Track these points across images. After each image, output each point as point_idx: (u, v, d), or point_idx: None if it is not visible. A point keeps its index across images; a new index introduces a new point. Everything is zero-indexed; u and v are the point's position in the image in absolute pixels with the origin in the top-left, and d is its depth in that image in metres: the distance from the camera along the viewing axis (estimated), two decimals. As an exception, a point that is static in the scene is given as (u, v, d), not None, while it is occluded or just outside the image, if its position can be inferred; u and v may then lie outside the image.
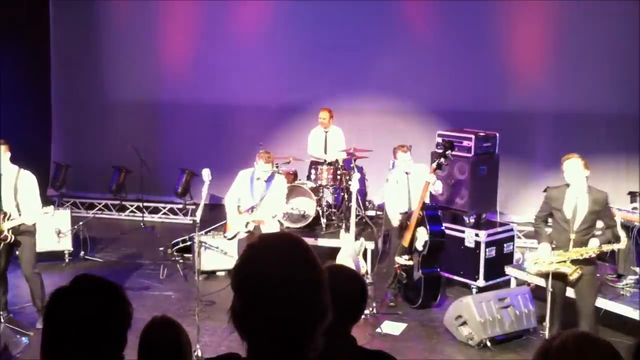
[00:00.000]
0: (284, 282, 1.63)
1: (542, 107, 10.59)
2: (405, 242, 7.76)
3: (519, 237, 9.13)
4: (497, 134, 8.74)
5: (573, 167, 6.05)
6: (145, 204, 11.23)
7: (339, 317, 2.60)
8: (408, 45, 11.01)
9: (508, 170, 9.34)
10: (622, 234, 6.16)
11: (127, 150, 10.91)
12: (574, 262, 6.01)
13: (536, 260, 6.21)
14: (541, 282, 6.67)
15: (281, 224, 8.52)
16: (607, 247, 6.06)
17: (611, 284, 7.26)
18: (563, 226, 6.10)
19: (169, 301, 7.90)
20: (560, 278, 6.10)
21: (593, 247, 5.99)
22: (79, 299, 2.04)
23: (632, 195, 8.86)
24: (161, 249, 9.38)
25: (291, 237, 1.80)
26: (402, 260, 7.79)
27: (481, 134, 8.61)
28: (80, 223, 9.40)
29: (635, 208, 7.41)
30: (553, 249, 6.16)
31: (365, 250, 8.69)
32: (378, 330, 7.17)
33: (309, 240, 9.14)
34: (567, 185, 6.14)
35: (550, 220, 6.38)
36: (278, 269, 1.65)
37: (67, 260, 9.08)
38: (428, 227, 7.63)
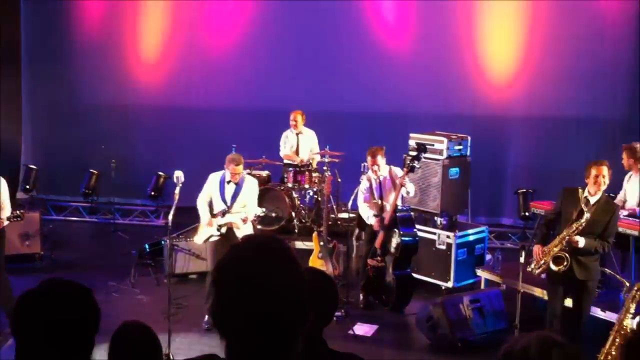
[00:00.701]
0: (267, 282, 1.65)
1: (512, 110, 10.71)
2: (378, 244, 7.80)
3: (489, 239, 9.21)
4: (469, 137, 8.82)
5: (607, 174, 6.06)
6: (116, 207, 11.14)
7: (311, 320, 2.62)
8: (380, 48, 11.06)
9: (479, 172, 9.43)
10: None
11: (99, 153, 10.83)
12: (564, 252, 6.05)
13: (537, 264, 6.25)
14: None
15: (254, 226, 8.51)
16: (573, 242, 6.04)
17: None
18: (563, 227, 6.16)
19: (140, 304, 7.85)
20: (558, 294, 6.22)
21: (578, 239, 6.02)
22: (46, 302, 2.03)
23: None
24: (133, 251, 9.31)
25: (273, 238, 1.81)
26: (375, 262, 7.83)
27: (453, 136, 8.68)
28: (51, 226, 9.31)
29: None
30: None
31: (338, 252, 8.72)
32: (350, 332, 7.19)
33: (282, 243, 9.16)
34: (581, 188, 6.16)
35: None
36: (260, 269, 1.66)
37: (36, 263, 8.97)
38: (400, 229, 7.68)
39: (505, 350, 1.88)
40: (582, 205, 6.04)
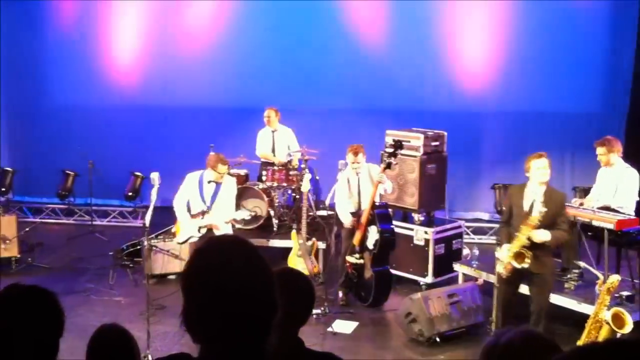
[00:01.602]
0: (235, 283, 1.67)
1: (488, 106, 10.79)
2: (356, 241, 7.83)
3: (467, 234, 9.29)
4: (445, 133, 8.88)
5: (545, 165, 6.22)
6: (94, 208, 11.07)
7: (287, 320, 2.63)
8: (357, 45, 11.08)
9: (456, 168, 9.49)
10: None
11: (75, 154, 10.73)
12: (525, 248, 6.13)
13: (501, 264, 6.35)
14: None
15: (233, 225, 8.50)
16: (531, 235, 6.12)
17: (556, 277, 7.44)
18: (519, 222, 6.26)
19: (118, 306, 7.82)
20: (508, 281, 6.30)
21: (537, 233, 6.11)
22: (7, 307, 2.03)
23: (577, 191, 9.09)
24: (110, 253, 9.26)
25: (236, 238, 1.84)
26: (353, 259, 7.86)
27: (429, 133, 8.73)
28: (27, 229, 9.23)
29: (581, 204, 7.60)
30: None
31: (317, 250, 8.74)
32: (330, 329, 7.22)
33: (261, 241, 9.18)
34: (527, 183, 6.32)
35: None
36: (227, 269, 1.68)
37: (13, 267, 8.90)
38: (378, 225, 7.71)
39: (489, 345, 1.91)
40: (534, 200, 6.17)
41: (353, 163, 7.92)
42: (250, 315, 1.67)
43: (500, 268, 6.34)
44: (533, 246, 6.17)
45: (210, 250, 1.76)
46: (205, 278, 1.69)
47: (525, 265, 6.13)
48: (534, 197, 6.24)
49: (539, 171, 6.24)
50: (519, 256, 6.17)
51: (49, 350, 2.05)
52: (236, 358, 1.68)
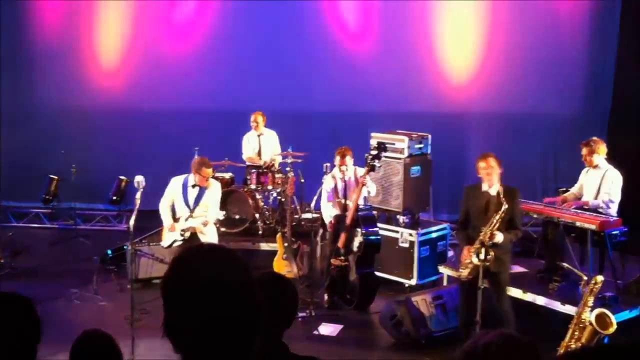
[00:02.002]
0: (214, 289, 1.66)
1: (472, 108, 10.84)
2: (341, 244, 7.84)
3: (451, 236, 9.31)
4: (429, 135, 8.91)
5: (492, 164, 6.35)
6: (78, 212, 11.00)
7: (270, 324, 2.64)
8: (340, 48, 11.10)
9: (440, 170, 9.52)
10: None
11: (58, 158, 10.67)
12: (488, 248, 6.19)
13: (461, 267, 6.41)
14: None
15: (218, 229, 8.50)
16: (493, 236, 6.19)
17: (539, 278, 7.50)
18: (477, 222, 6.37)
19: (103, 311, 7.78)
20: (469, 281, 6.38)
21: (495, 234, 6.17)
22: None
23: (560, 192, 9.14)
24: (95, 257, 9.22)
25: (214, 245, 1.84)
26: (338, 261, 7.87)
27: (413, 135, 8.76)
28: (10, 233, 9.16)
29: (564, 199, 7.65)
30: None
31: (302, 252, 8.75)
32: (315, 332, 7.23)
33: (246, 245, 9.18)
34: (481, 183, 6.43)
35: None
36: (206, 276, 1.68)
37: (-4, 272, 8.84)
38: (363, 228, 7.73)
39: (467, 348, 1.92)
40: (489, 199, 6.29)
41: (341, 165, 7.94)
42: (233, 322, 1.67)
43: (464, 272, 6.37)
44: (492, 245, 6.24)
45: (189, 258, 1.75)
46: (184, 287, 1.68)
47: (486, 262, 6.15)
48: (487, 196, 6.35)
49: (483, 172, 6.38)
50: (480, 253, 6.22)
51: (26, 356, 2.04)
52: None
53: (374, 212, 8.18)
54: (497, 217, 6.17)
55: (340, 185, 8.06)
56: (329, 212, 8.07)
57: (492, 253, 6.16)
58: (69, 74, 11.50)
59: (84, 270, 8.99)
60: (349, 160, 7.95)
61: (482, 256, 6.16)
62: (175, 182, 7.74)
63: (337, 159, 7.98)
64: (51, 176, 10.97)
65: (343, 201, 8.05)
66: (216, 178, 8.80)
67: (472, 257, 6.22)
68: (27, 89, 11.61)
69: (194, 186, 7.64)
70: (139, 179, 6.65)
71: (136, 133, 11.46)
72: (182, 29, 11.44)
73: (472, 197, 6.52)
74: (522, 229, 6.59)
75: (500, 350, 1.84)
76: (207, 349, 1.67)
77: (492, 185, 6.37)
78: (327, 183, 8.17)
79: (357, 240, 7.76)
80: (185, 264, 1.73)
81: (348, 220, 7.76)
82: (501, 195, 6.21)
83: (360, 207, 7.83)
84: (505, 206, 6.14)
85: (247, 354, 1.71)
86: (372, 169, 7.76)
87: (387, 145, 8.10)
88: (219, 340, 1.66)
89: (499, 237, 6.21)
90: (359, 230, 7.75)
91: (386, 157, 8.26)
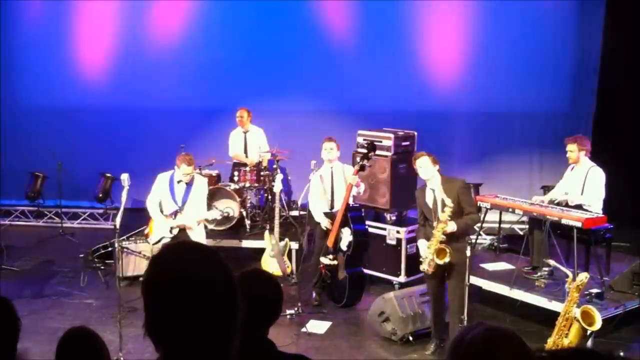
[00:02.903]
0: (193, 288, 1.66)
1: (458, 106, 10.88)
2: (330, 243, 7.84)
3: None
4: (415, 133, 8.93)
5: (424, 165, 6.50)
6: (63, 210, 10.95)
7: (255, 321, 2.64)
8: (327, 45, 11.11)
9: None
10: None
11: (44, 155, 10.60)
12: (443, 243, 6.28)
13: (422, 260, 6.47)
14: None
15: (206, 226, 8.48)
16: (441, 232, 6.27)
17: (526, 276, 7.55)
18: (430, 219, 6.47)
19: (90, 309, 7.75)
20: (434, 275, 6.48)
21: (445, 227, 6.26)
22: None
23: (546, 190, 9.21)
24: (81, 255, 9.18)
25: (196, 244, 1.85)
26: (327, 260, 7.87)
27: (400, 133, 8.78)
28: (-5, 231, 9.10)
29: (543, 201, 7.69)
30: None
31: (290, 250, 8.76)
32: (303, 329, 7.23)
33: (233, 242, 9.17)
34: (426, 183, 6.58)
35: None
36: (186, 275, 1.68)
37: (-19, 270, 8.77)
38: (352, 227, 7.74)
39: (454, 342, 1.94)
40: (434, 196, 6.41)
41: (327, 149, 7.96)
42: (212, 321, 1.67)
43: (424, 266, 6.43)
44: (448, 237, 6.32)
45: (169, 256, 1.75)
46: (164, 285, 1.68)
47: (447, 260, 6.26)
48: (432, 194, 6.46)
49: (420, 170, 6.53)
50: (440, 252, 6.32)
51: (4, 356, 2.02)
52: None
53: (362, 211, 8.19)
54: (443, 215, 6.25)
55: (327, 182, 8.05)
56: (317, 210, 8.07)
57: (449, 249, 6.24)
58: (55, 72, 11.44)
59: (70, 268, 8.97)
60: (329, 145, 7.96)
61: (441, 257, 6.28)
62: (162, 179, 7.72)
63: (326, 144, 8.01)
64: (36, 173, 10.91)
65: (330, 198, 8.05)
66: (202, 175, 8.79)
67: (429, 255, 6.35)
68: (12, 86, 11.52)
69: (179, 182, 7.63)
70: (125, 177, 6.62)
71: (122, 131, 11.42)
72: (168, 26, 11.39)
73: (421, 198, 6.61)
74: (476, 212, 6.65)
75: (487, 343, 1.86)
76: (187, 348, 1.67)
77: (433, 182, 6.47)
78: (315, 180, 8.15)
79: (346, 240, 7.77)
80: (165, 263, 1.73)
81: (337, 220, 7.76)
82: (440, 192, 6.34)
83: (350, 205, 7.83)
84: (450, 204, 6.20)
85: (226, 352, 1.71)
86: (361, 168, 7.78)
87: (375, 145, 8.11)
88: (198, 339, 1.66)
89: (451, 227, 6.28)
90: (347, 229, 7.76)
91: (374, 154, 8.27)
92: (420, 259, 6.54)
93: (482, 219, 7.67)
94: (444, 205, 6.27)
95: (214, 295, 1.68)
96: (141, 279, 8.36)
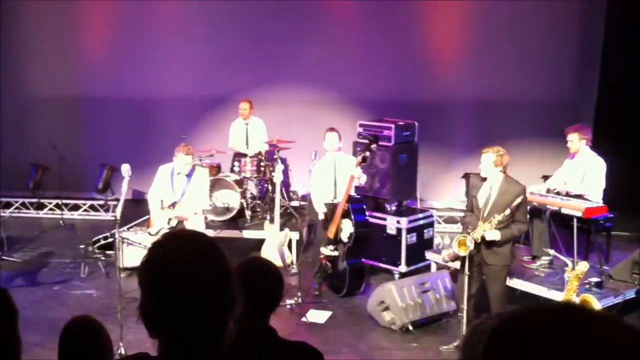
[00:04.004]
0: (192, 276, 1.66)
1: (458, 96, 10.85)
2: (331, 234, 7.85)
3: (438, 223, 9.37)
4: (416, 123, 8.93)
5: (484, 161, 6.28)
6: (64, 201, 10.95)
7: (255, 309, 2.65)
8: (329, 36, 11.07)
9: (427, 158, 9.56)
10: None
11: (44, 146, 10.60)
12: (477, 246, 6.15)
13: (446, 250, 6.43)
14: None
15: (205, 217, 8.48)
16: (480, 234, 6.13)
17: (526, 265, 7.56)
18: (476, 214, 6.32)
19: (90, 299, 7.77)
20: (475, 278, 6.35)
21: (484, 233, 6.11)
22: None
23: (546, 179, 9.20)
24: (82, 246, 9.19)
25: (195, 233, 1.84)
26: (328, 251, 7.88)
27: (400, 123, 8.78)
28: (-4, 223, 9.11)
29: (548, 189, 7.69)
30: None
31: (290, 240, 8.77)
32: (304, 319, 7.25)
33: (234, 233, 9.17)
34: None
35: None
36: (185, 264, 1.68)
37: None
38: (353, 218, 7.74)
39: (473, 327, 1.94)
40: (489, 194, 6.22)
41: (330, 140, 7.93)
42: (207, 309, 1.67)
43: (443, 254, 6.39)
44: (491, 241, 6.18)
45: (168, 244, 1.75)
46: (161, 272, 1.69)
47: (465, 254, 6.10)
48: (488, 190, 6.26)
49: (480, 165, 6.34)
50: (461, 243, 6.17)
51: (4, 345, 2.03)
52: (193, 353, 1.68)
53: (364, 203, 8.19)
54: (496, 220, 6.11)
55: (330, 172, 8.04)
56: (318, 200, 8.06)
57: (471, 243, 6.10)
58: (55, 63, 11.40)
59: (70, 259, 8.98)
60: (331, 135, 7.94)
61: (461, 248, 6.16)
62: (163, 171, 7.73)
63: (329, 135, 7.98)
64: (37, 165, 10.91)
65: (333, 188, 8.03)
66: (203, 166, 8.79)
67: (453, 244, 6.25)
68: (12, 79, 11.49)
69: (179, 174, 7.63)
70: (125, 168, 6.63)
71: (123, 122, 11.40)
72: (167, 15, 11.36)
73: (475, 188, 6.41)
74: (526, 222, 6.44)
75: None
76: (179, 336, 1.67)
77: (493, 179, 6.26)
78: (316, 170, 8.14)
79: (347, 231, 7.77)
80: (163, 250, 1.73)
81: (339, 211, 7.76)
82: (496, 192, 6.18)
83: (351, 196, 7.82)
84: (500, 216, 6.07)
85: (219, 339, 1.71)
86: (364, 160, 7.77)
87: (378, 136, 8.12)
88: (188, 327, 1.66)
89: (492, 235, 6.11)
90: (349, 220, 7.76)
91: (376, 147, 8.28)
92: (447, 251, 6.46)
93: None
94: (498, 209, 6.12)
95: (206, 285, 1.67)
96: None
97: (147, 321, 1.69)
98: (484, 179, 6.33)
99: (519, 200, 6.11)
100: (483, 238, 6.13)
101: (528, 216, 7.41)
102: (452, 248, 6.29)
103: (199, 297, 1.65)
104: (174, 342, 1.69)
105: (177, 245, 1.74)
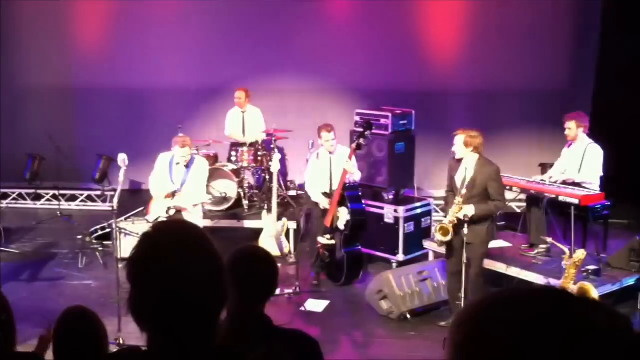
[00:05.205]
0: (181, 271, 1.64)
1: (456, 84, 10.83)
2: (327, 222, 7.84)
3: (436, 211, 9.36)
4: (413, 112, 8.91)
5: (457, 142, 6.53)
6: (61, 192, 10.93)
7: (251, 297, 2.65)
8: (325, 24, 11.04)
9: (424, 146, 9.53)
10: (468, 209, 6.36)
11: (41, 137, 10.57)
12: (455, 226, 6.33)
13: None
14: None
15: (203, 207, 8.46)
16: (457, 213, 6.31)
17: (524, 253, 7.57)
18: (455, 193, 6.49)
19: (88, 290, 7.77)
20: (453, 255, 6.56)
21: (460, 210, 6.29)
22: None
23: (543, 167, 9.21)
24: (79, 237, 9.18)
25: (186, 225, 1.82)
26: (325, 240, 7.87)
27: (398, 111, 8.76)
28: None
29: (543, 180, 7.69)
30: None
31: (288, 230, 8.77)
32: (302, 308, 7.26)
33: (231, 223, 9.17)
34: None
35: None
36: (174, 258, 1.65)
37: (-20, 252, 8.78)
38: (349, 206, 7.73)
39: (458, 316, 1.93)
40: (465, 174, 6.42)
41: (329, 141, 7.87)
42: (196, 304, 1.65)
43: (438, 236, 6.49)
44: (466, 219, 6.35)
45: (157, 235, 1.73)
46: (150, 263, 1.66)
47: (447, 239, 6.36)
48: (464, 171, 6.46)
49: (454, 147, 6.56)
50: (442, 230, 6.40)
51: None
52: (182, 347, 1.66)
53: (360, 190, 8.17)
54: (462, 194, 6.32)
55: (325, 163, 8.02)
56: (315, 190, 8.05)
57: (451, 229, 6.30)
58: (52, 53, 11.36)
59: (68, 249, 8.97)
60: (330, 136, 7.88)
61: (442, 234, 6.37)
62: (163, 159, 7.72)
63: (325, 135, 7.91)
64: (33, 155, 10.88)
65: (329, 179, 8.01)
66: (200, 155, 8.77)
67: (436, 232, 6.44)
68: (7, 69, 11.45)
69: (178, 164, 7.61)
70: (122, 157, 6.61)
71: (119, 112, 11.38)
72: (162, 4, 11.29)
73: (453, 170, 6.64)
74: (503, 200, 6.60)
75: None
76: (168, 329, 1.66)
77: (467, 160, 6.47)
78: (313, 160, 8.12)
79: (344, 219, 7.76)
80: (152, 242, 1.71)
81: (334, 199, 7.75)
82: (472, 172, 6.36)
83: (347, 185, 7.80)
84: (473, 178, 6.29)
85: (208, 333, 1.69)
86: (358, 147, 7.75)
87: (372, 123, 8.09)
88: (180, 322, 1.65)
89: (468, 211, 6.29)
90: (345, 208, 7.75)
91: (371, 133, 8.26)
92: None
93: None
94: (472, 185, 6.29)
95: (195, 280, 1.65)
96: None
97: (135, 316, 1.67)
98: (460, 160, 6.53)
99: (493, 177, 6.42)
100: (460, 218, 6.29)
101: (525, 204, 7.45)
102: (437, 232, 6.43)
103: (186, 292, 1.63)
104: (162, 336, 1.67)
105: (165, 239, 1.71)
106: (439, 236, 6.41)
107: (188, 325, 1.65)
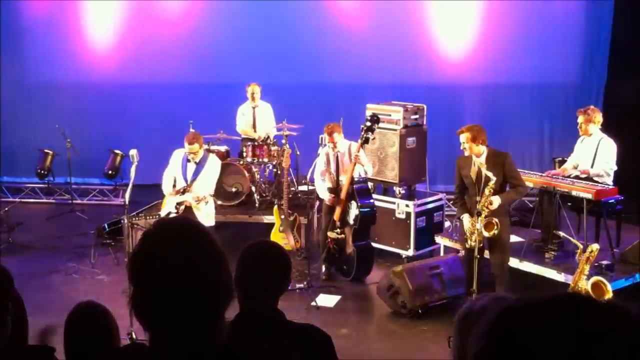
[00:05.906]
0: (181, 268, 1.62)
1: (468, 79, 10.79)
2: (337, 217, 7.83)
3: (447, 206, 9.32)
4: (425, 106, 8.87)
5: (463, 141, 6.60)
6: (73, 187, 10.98)
7: (264, 291, 2.64)
8: (336, 19, 11.01)
9: (436, 141, 9.50)
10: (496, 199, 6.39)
11: (53, 132, 10.61)
12: (487, 217, 6.35)
13: (466, 233, 6.45)
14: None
15: (215, 201, 8.47)
16: (488, 205, 6.34)
17: (536, 247, 7.52)
18: (471, 191, 6.43)
19: (101, 284, 7.80)
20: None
21: (492, 200, 6.32)
22: None
23: (555, 162, 9.14)
24: (91, 232, 9.22)
25: (188, 222, 1.80)
26: (334, 234, 7.87)
27: (409, 106, 8.72)
28: (6, 208, 9.13)
29: (555, 174, 7.64)
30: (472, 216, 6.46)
31: (299, 225, 8.75)
32: (313, 303, 7.25)
33: (243, 218, 9.17)
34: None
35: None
36: (174, 256, 1.64)
37: (-7, 247, 8.83)
38: (358, 200, 7.72)
39: (464, 311, 1.92)
40: (479, 168, 6.42)
41: (330, 142, 7.89)
42: (197, 302, 1.63)
43: (471, 242, 6.41)
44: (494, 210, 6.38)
45: (159, 232, 1.71)
46: (152, 260, 1.65)
47: (496, 232, 6.34)
48: (477, 165, 6.48)
49: (463, 145, 6.61)
50: (488, 225, 6.37)
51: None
52: (185, 345, 1.64)
53: (370, 184, 8.16)
54: (487, 189, 6.30)
55: (332, 159, 8.00)
56: (321, 185, 8.04)
57: (497, 222, 6.30)
58: (64, 49, 11.40)
59: (80, 244, 9.01)
60: (338, 136, 7.86)
61: (489, 230, 6.33)
62: (177, 155, 7.76)
63: (326, 137, 7.94)
64: (46, 150, 10.93)
65: (335, 176, 7.99)
66: (211, 151, 8.78)
67: (477, 231, 6.36)
68: (21, 64, 11.50)
69: (189, 161, 7.63)
70: (133, 153, 6.62)
71: (130, 107, 11.41)
72: (175, 2, 11.30)
73: (464, 167, 6.62)
74: (523, 184, 6.71)
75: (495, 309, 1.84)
76: (172, 328, 1.64)
77: (478, 155, 6.50)
78: (321, 156, 8.12)
79: (353, 213, 7.75)
80: (154, 239, 1.70)
81: (342, 194, 7.74)
82: (484, 167, 6.35)
83: (355, 179, 7.79)
84: (492, 179, 6.23)
85: (212, 330, 1.67)
86: (365, 141, 7.72)
87: (381, 117, 8.05)
88: (181, 319, 1.63)
89: (496, 203, 6.35)
90: (354, 203, 7.73)
91: (382, 128, 8.25)
92: (465, 236, 6.55)
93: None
94: (487, 180, 6.27)
95: (196, 278, 1.63)
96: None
97: (138, 311, 1.66)
98: (469, 159, 6.57)
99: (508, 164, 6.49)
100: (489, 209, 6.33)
101: (537, 198, 7.42)
102: (472, 234, 6.35)
103: (188, 290, 1.62)
104: (164, 335, 1.66)
105: (165, 237, 1.69)
106: (486, 233, 6.37)
107: (189, 323, 1.63)
